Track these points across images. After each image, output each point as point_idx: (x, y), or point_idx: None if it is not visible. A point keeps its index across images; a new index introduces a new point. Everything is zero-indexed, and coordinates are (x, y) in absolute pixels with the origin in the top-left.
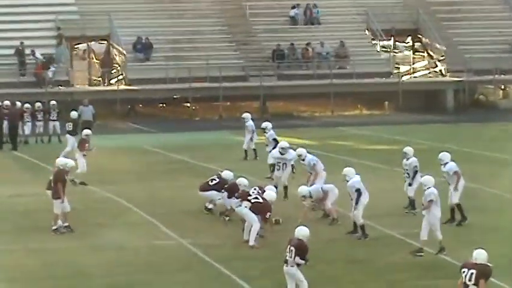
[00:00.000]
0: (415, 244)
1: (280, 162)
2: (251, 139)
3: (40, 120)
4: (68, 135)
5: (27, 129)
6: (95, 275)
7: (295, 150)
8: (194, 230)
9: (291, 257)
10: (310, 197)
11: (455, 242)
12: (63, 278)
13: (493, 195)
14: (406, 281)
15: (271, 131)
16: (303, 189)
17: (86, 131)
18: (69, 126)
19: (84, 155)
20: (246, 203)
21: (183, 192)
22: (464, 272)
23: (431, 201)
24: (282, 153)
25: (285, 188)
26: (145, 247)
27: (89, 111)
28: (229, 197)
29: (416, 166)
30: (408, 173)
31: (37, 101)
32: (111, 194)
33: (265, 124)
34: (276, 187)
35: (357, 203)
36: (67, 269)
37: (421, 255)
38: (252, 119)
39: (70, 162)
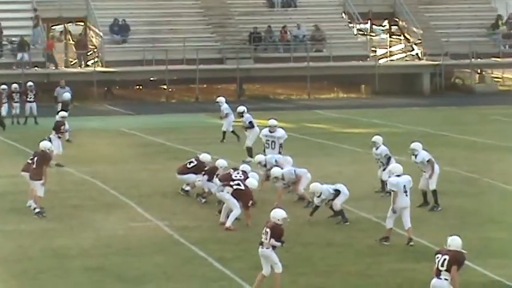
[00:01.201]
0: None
1: (269, 141)
2: (227, 122)
3: (17, 102)
4: None
5: (3, 110)
6: (72, 256)
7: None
8: (170, 212)
9: (266, 239)
10: (283, 179)
11: (433, 225)
12: (40, 259)
13: (470, 178)
14: (384, 264)
15: (247, 114)
16: (276, 171)
17: (62, 113)
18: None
19: (59, 137)
20: (228, 189)
21: (159, 174)
22: (438, 257)
23: (393, 191)
24: (270, 132)
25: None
26: (121, 229)
27: (66, 93)
28: (209, 180)
29: (387, 154)
30: (382, 161)
31: (14, 82)
32: (88, 176)
33: (240, 108)
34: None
35: (334, 199)
36: (43, 250)
37: (411, 245)
38: (227, 102)
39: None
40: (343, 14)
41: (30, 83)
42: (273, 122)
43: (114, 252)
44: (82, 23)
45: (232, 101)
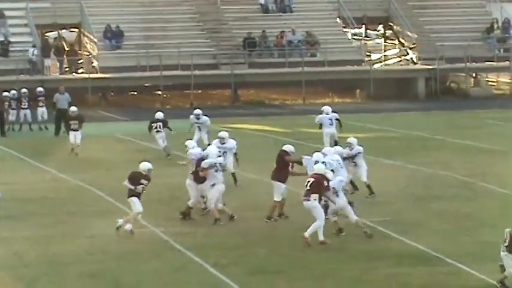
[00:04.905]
0: (385, 231)
1: (221, 151)
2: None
3: (14, 109)
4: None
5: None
6: (67, 263)
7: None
8: (166, 218)
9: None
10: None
11: (428, 229)
12: (35, 266)
13: (466, 182)
14: (379, 269)
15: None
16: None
17: (73, 107)
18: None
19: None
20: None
21: (154, 180)
22: None
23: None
24: (222, 143)
25: (233, 174)
26: (116, 235)
27: (65, 100)
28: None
29: (360, 153)
30: (354, 162)
31: (11, 89)
32: (83, 183)
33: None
34: None
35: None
36: (39, 257)
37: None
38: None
39: None
40: (338, 19)
41: (24, 90)
42: (222, 134)
43: (110, 258)
44: (76, 29)
45: (227, 107)
